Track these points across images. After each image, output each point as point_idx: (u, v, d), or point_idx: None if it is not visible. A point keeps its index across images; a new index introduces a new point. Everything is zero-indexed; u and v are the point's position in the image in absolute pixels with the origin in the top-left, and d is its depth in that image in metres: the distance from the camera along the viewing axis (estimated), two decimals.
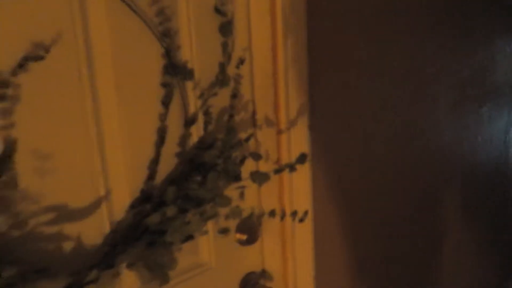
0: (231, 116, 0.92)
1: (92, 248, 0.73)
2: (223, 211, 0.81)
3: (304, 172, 1.02)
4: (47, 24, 0.63)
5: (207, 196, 0.76)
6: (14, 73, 0.59)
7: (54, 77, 0.65)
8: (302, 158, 0.85)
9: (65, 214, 0.69)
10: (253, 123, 1.00)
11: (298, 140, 1.00)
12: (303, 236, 1.05)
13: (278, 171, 0.83)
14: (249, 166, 0.95)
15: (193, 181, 0.82)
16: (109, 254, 0.72)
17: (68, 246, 0.70)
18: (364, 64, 1.16)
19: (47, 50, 0.62)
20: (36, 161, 0.65)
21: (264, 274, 1.09)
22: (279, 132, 0.98)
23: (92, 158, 0.72)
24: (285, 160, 0.97)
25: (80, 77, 0.68)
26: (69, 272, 0.65)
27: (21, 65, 0.59)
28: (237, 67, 0.92)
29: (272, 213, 0.88)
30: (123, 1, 0.70)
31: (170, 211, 0.72)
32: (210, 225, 0.92)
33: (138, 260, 0.71)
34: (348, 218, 1.19)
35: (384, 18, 1.20)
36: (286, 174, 0.97)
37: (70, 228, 0.70)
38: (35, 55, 0.61)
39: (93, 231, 0.73)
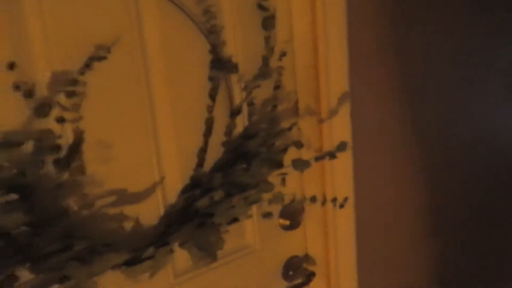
0: (274, 107, 0.96)
1: (149, 227, 0.81)
2: (266, 196, 0.86)
3: (345, 159, 1.04)
4: (108, 27, 0.71)
5: (251, 182, 0.81)
6: (81, 72, 0.68)
7: (114, 74, 0.73)
8: (342, 146, 0.88)
9: (125, 197, 0.78)
10: (296, 112, 1.03)
11: (340, 129, 1.02)
12: (344, 222, 1.07)
13: (319, 158, 0.86)
14: (291, 154, 1.00)
15: (238, 168, 0.87)
16: (163, 233, 0.80)
17: (128, 225, 0.79)
18: (406, 51, 1.16)
19: (108, 50, 0.69)
20: (100, 150, 0.74)
21: (307, 258, 1.14)
22: (321, 121, 1.01)
23: (148, 148, 0.80)
24: (327, 148, 1.00)
25: (137, 74, 0.76)
26: (130, 248, 0.74)
27: (87, 65, 0.67)
28: (279, 59, 0.96)
29: (313, 199, 0.91)
30: (173, 3, 0.77)
31: (217, 195, 0.78)
32: (254, 210, 0.97)
33: (189, 239, 0.78)
34: (390, 205, 1.21)
35: (427, 3, 1.18)
36: (327, 161, 1.00)
37: (130, 210, 0.79)
38: (98, 55, 0.69)
39: (149, 213, 0.81)
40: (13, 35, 0.63)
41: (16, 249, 0.62)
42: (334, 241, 1.09)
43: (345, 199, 0.93)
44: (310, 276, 1.08)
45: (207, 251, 0.77)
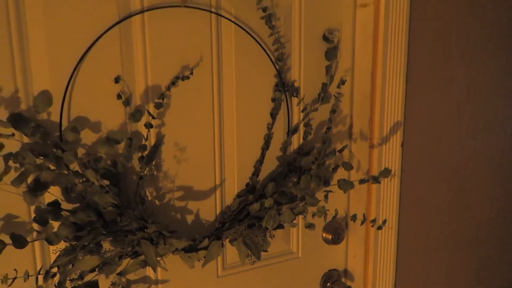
0: (328, 129, 1.05)
1: (206, 222, 0.94)
2: (311, 209, 0.96)
3: (393, 184, 1.11)
4: (193, 52, 0.85)
5: (299, 194, 0.91)
6: (168, 88, 0.83)
7: (193, 90, 0.87)
8: (385, 173, 0.95)
9: (190, 193, 0.92)
10: (349, 136, 1.12)
11: (389, 155, 1.09)
12: (386, 244, 1.13)
13: (363, 181, 0.94)
14: (341, 173, 1.08)
15: (289, 181, 0.98)
16: (217, 229, 0.92)
17: (190, 218, 0.93)
18: (461, 85, 1.20)
19: (191, 72, 0.84)
20: (175, 151, 0.88)
21: (346, 273, 1.20)
22: (372, 146, 1.08)
23: (213, 154, 0.93)
24: (375, 171, 1.07)
25: (211, 91, 0.90)
26: (190, 237, 0.87)
27: (173, 83, 0.82)
28: (338, 86, 1.05)
29: (353, 218, 0.99)
30: (249, 34, 0.90)
31: (268, 202, 0.89)
32: (300, 220, 1.07)
33: (239, 237, 0.90)
34: (433, 232, 1.23)
35: (479, 39, 1.21)
36: (376, 184, 1.08)
37: (193, 205, 0.93)
38: (183, 75, 0.83)
39: (208, 210, 0.95)
40: (123, 55, 0.79)
41: (103, 224, 0.78)
42: (374, 260, 1.15)
43: (384, 221, 0.99)
44: None
45: (253, 250, 0.88)
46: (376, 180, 0.90)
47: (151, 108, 0.83)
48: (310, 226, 0.91)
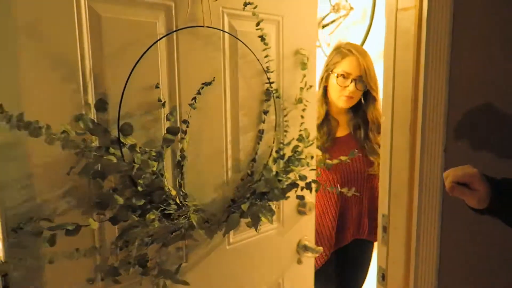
0: (302, 124, 1.34)
1: (221, 200, 1.16)
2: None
3: (434, 189, 1.13)
4: (210, 72, 1.08)
5: (284, 178, 1.18)
6: (198, 92, 1.04)
7: (206, 104, 1.09)
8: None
9: (209, 179, 1.13)
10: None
11: (432, 160, 1.12)
12: (428, 250, 1.14)
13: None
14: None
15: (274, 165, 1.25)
16: (230, 206, 1.15)
17: (214, 196, 1.14)
18: (505, 89, 1.14)
19: (213, 78, 1.07)
20: (196, 144, 1.09)
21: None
22: (413, 151, 1.11)
23: (224, 148, 1.16)
24: (417, 176, 1.10)
25: (223, 101, 1.13)
26: (212, 211, 1.09)
27: (202, 88, 1.03)
28: (307, 90, 1.34)
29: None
30: (249, 49, 1.14)
31: (273, 178, 1.14)
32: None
33: (247, 212, 1.13)
34: (477, 239, 1.20)
35: None
36: (415, 190, 1.11)
37: (209, 188, 1.14)
38: (207, 82, 1.05)
39: (223, 190, 1.17)
40: (161, 66, 0.99)
41: (151, 204, 0.96)
42: (415, 265, 1.14)
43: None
44: None
45: (267, 216, 1.11)
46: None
47: (183, 125, 1.03)
48: (300, 197, 1.19)
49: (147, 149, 0.94)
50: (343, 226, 1.77)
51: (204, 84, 1.04)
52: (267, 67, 1.20)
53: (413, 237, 1.17)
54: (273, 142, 1.26)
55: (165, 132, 0.97)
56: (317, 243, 1.67)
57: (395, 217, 1.20)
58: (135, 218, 0.92)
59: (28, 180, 0.83)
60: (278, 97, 1.26)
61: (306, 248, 1.43)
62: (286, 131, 1.29)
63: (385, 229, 1.25)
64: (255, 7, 1.07)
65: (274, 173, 1.16)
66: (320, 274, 1.68)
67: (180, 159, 1.02)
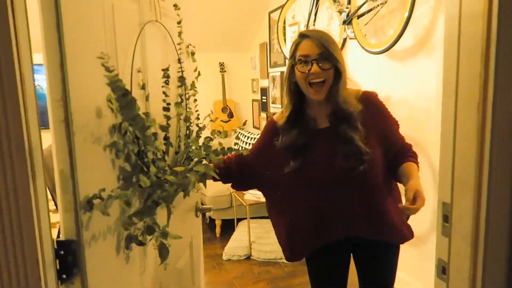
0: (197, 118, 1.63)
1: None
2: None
3: (505, 174, 1.00)
4: (166, 61, 1.41)
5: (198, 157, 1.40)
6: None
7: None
8: None
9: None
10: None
11: (502, 142, 0.88)
12: (497, 242, 0.96)
13: None
14: None
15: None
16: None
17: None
18: None
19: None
20: None
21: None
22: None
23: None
24: (486, 159, 0.87)
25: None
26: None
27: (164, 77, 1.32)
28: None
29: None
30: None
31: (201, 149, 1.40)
32: None
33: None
34: None
35: None
36: (485, 174, 0.95)
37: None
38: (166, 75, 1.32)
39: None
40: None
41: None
42: (483, 259, 1.05)
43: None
44: None
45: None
46: None
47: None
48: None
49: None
50: (329, 221, 1.64)
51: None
52: (179, 58, 1.47)
53: (481, 226, 1.04)
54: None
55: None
56: (295, 237, 1.71)
57: (460, 205, 1.10)
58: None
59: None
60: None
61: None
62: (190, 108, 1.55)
63: (446, 218, 1.14)
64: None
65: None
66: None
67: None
